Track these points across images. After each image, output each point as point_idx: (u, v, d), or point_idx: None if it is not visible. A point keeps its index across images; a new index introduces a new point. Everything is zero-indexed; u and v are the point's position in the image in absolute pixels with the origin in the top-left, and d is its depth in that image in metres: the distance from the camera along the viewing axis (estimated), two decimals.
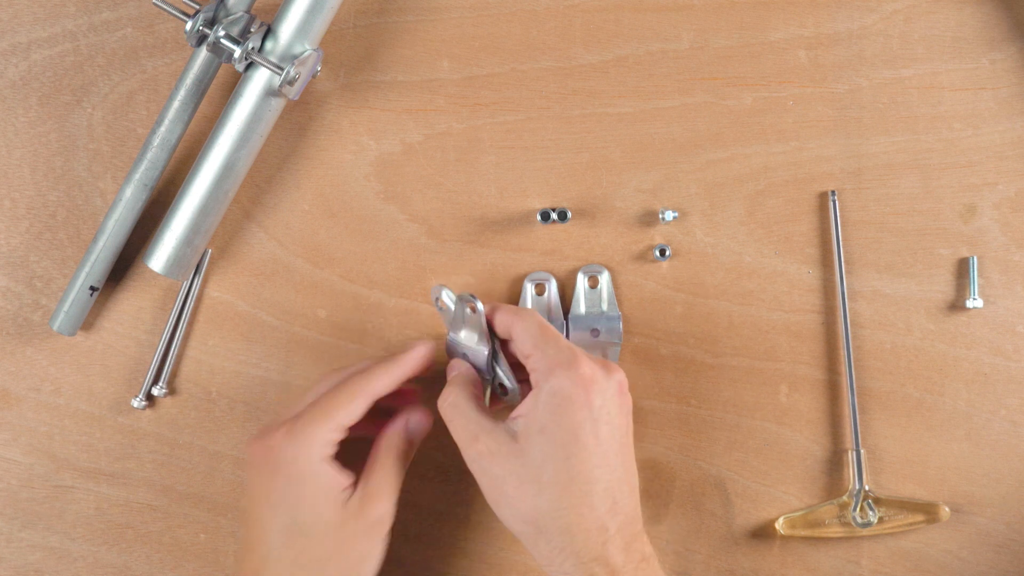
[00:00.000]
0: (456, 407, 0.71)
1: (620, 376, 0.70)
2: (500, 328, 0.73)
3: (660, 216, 0.80)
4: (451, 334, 0.75)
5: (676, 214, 0.80)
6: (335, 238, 0.81)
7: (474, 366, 0.75)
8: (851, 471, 0.79)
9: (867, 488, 0.79)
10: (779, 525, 0.80)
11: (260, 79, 0.76)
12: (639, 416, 0.80)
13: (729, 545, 0.81)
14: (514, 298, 0.81)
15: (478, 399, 0.72)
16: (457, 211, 0.81)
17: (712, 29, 0.81)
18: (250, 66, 0.76)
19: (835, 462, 0.81)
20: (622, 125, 0.81)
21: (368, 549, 0.71)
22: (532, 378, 0.70)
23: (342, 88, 0.81)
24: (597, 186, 0.81)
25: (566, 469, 0.67)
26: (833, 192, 0.81)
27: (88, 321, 0.80)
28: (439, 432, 0.81)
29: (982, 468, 0.80)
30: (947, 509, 0.79)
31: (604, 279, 0.80)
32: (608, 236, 0.81)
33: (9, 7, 0.81)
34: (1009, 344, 0.81)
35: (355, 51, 0.81)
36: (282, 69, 0.74)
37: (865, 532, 0.79)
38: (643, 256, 0.81)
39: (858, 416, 0.80)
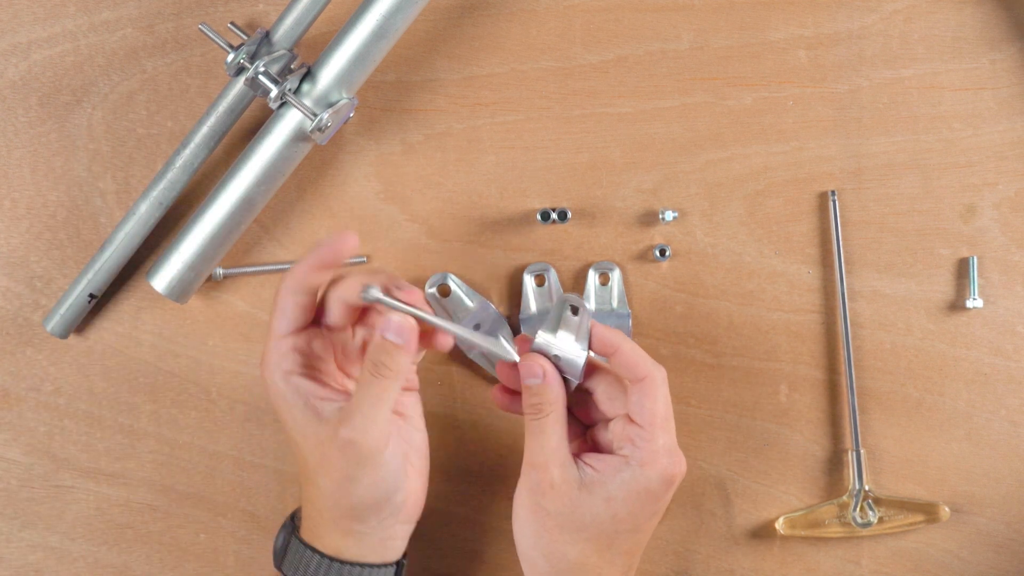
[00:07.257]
0: (544, 430, 0.68)
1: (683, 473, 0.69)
2: (599, 345, 0.69)
3: (660, 216, 0.80)
4: (543, 333, 0.69)
5: (676, 214, 0.80)
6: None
7: (559, 368, 0.69)
8: (851, 471, 0.79)
9: (867, 488, 0.79)
10: (779, 525, 0.80)
11: (291, 120, 0.75)
12: None
13: (729, 545, 0.81)
14: (515, 294, 0.81)
15: (564, 424, 0.69)
16: (457, 211, 0.81)
17: (712, 29, 0.81)
18: (283, 105, 0.75)
19: (835, 462, 0.81)
20: (622, 125, 0.81)
21: (347, 470, 0.66)
22: (627, 444, 0.68)
23: None
24: (597, 186, 0.81)
25: (608, 540, 0.68)
26: (833, 192, 0.81)
27: (88, 321, 0.80)
28: (439, 432, 0.81)
29: (982, 468, 0.80)
30: (947, 509, 0.79)
31: (615, 276, 0.80)
32: (608, 236, 0.81)
33: (9, 7, 0.81)
34: (1009, 344, 0.81)
35: None
36: (316, 115, 0.73)
37: (865, 532, 0.79)
38: (643, 256, 0.81)
39: (858, 416, 0.80)
